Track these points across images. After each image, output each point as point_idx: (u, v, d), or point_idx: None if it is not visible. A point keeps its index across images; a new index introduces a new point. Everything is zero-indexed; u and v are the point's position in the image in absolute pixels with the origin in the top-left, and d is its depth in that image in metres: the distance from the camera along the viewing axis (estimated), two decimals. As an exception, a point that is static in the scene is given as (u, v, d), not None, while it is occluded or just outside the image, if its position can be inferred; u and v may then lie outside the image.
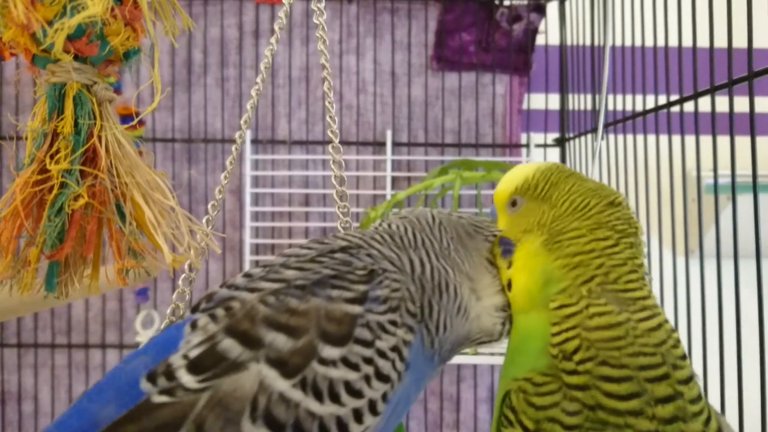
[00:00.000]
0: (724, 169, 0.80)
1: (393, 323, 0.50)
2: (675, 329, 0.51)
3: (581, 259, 0.51)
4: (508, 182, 0.59)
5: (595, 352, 0.48)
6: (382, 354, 0.48)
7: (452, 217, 0.60)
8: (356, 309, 0.48)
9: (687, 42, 0.92)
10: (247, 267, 1.58)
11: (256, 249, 1.64)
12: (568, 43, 1.64)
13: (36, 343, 1.64)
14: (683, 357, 0.49)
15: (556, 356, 0.50)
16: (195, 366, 0.45)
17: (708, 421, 0.48)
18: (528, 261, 0.54)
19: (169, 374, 0.45)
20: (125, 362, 0.49)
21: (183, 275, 0.75)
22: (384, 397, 0.48)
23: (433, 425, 1.66)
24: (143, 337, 1.52)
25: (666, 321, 0.51)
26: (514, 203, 0.58)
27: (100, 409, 0.46)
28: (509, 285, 0.56)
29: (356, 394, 0.47)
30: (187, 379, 0.45)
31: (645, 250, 0.60)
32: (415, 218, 0.59)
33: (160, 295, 1.65)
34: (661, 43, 1.00)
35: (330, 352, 0.46)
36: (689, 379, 0.48)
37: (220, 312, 0.49)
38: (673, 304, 0.95)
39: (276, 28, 0.78)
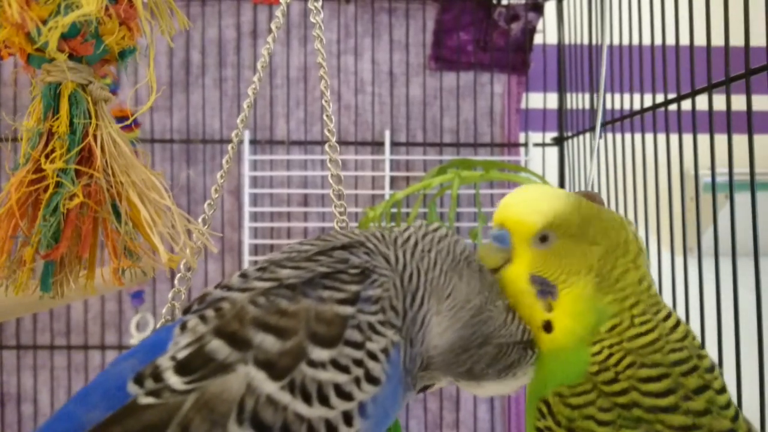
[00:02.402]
0: (722, 168, 0.80)
1: (383, 323, 0.49)
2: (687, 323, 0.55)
3: (632, 290, 0.53)
4: (536, 215, 0.54)
5: (634, 358, 0.51)
6: (372, 356, 0.48)
7: (460, 243, 0.57)
8: (347, 310, 0.48)
9: (684, 40, 0.92)
10: (246, 267, 1.58)
11: (255, 249, 1.64)
12: (566, 42, 1.64)
13: (35, 345, 1.64)
14: (701, 347, 0.53)
15: (595, 372, 0.52)
16: (182, 367, 0.45)
17: (736, 418, 0.51)
18: (579, 305, 0.53)
19: (157, 376, 0.45)
20: (113, 365, 0.49)
21: (179, 275, 0.74)
22: (374, 399, 0.48)
23: (432, 425, 1.66)
24: (137, 339, 1.52)
25: (676, 313, 0.55)
26: (544, 238, 0.54)
27: (87, 412, 0.45)
28: (547, 326, 0.54)
29: (346, 396, 0.46)
30: (174, 381, 0.44)
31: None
32: (421, 226, 0.58)
33: (159, 296, 1.65)
34: (658, 41, 0.99)
35: (319, 353, 0.46)
36: (713, 368, 0.52)
37: (210, 313, 0.48)
38: (671, 303, 0.95)
39: (273, 27, 0.78)
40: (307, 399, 0.45)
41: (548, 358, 0.55)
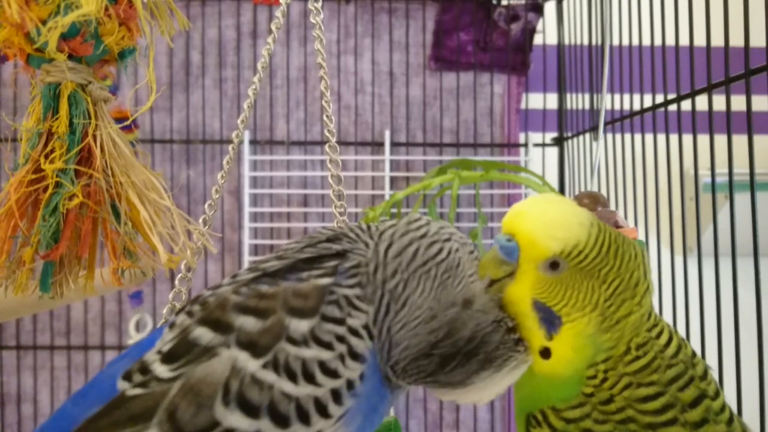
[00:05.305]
0: (722, 168, 0.80)
1: (360, 298, 0.49)
2: (677, 331, 0.54)
3: (631, 327, 0.52)
4: (552, 241, 0.51)
5: (630, 380, 0.51)
6: (354, 332, 0.48)
7: (436, 245, 0.54)
8: (324, 281, 0.48)
9: (684, 41, 0.92)
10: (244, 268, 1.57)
11: (255, 250, 1.64)
12: (566, 42, 1.64)
13: (35, 345, 1.64)
14: (694, 354, 0.53)
15: (590, 394, 0.52)
16: (168, 357, 0.46)
17: (731, 421, 0.50)
18: (579, 341, 0.51)
19: (144, 369, 0.46)
20: (109, 366, 0.50)
21: (179, 275, 0.75)
22: (361, 377, 0.48)
23: (432, 425, 1.65)
24: (136, 340, 1.51)
25: (668, 325, 0.54)
26: (554, 265, 0.51)
27: (83, 412, 0.46)
28: (545, 352, 0.53)
29: (332, 373, 0.46)
30: (161, 370, 0.45)
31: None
32: (404, 223, 0.55)
33: (158, 296, 1.65)
34: (658, 41, 1.00)
35: (298, 325, 0.46)
36: (706, 374, 0.52)
37: (196, 308, 0.49)
38: (671, 303, 0.95)
39: (273, 27, 0.78)
40: (292, 377, 0.45)
41: (540, 379, 0.54)
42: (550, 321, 0.52)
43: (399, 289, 0.51)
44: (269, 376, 0.45)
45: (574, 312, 0.51)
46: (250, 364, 0.45)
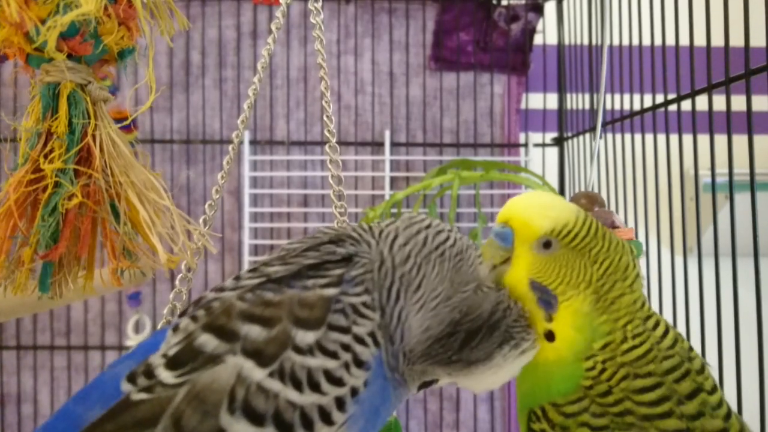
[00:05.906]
0: (722, 168, 0.80)
1: (366, 305, 0.49)
2: (674, 327, 0.55)
3: (626, 311, 0.54)
4: (543, 219, 0.54)
5: (628, 371, 0.52)
6: (359, 340, 0.48)
7: (443, 234, 0.56)
8: (330, 291, 0.49)
9: (684, 40, 0.91)
10: (246, 268, 1.58)
11: (255, 250, 1.64)
12: (566, 42, 1.63)
13: (35, 345, 1.64)
14: (691, 349, 0.54)
15: (589, 387, 0.53)
16: (173, 362, 0.46)
17: (728, 416, 0.51)
18: (577, 319, 0.53)
19: (149, 373, 0.46)
20: (111, 367, 0.50)
21: (179, 275, 0.75)
22: (365, 384, 0.48)
23: (432, 425, 1.65)
24: (135, 341, 1.52)
25: (664, 319, 0.55)
26: (547, 245, 0.54)
27: (86, 412, 0.46)
28: (549, 335, 0.54)
29: (337, 382, 0.46)
30: (166, 375, 0.45)
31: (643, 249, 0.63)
32: (407, 218, 0.57)
33: (158, 296, 1.65)
34: (658, 41, 0.99)
35: (303, 336, 0.46)
36: (702, 369, 0.53)
37: (200, 313, 0.49)
38: (671, 303, 0.95)
39: (273, 28, 0.78)
40: (297, 386, 0.45)
41: (541, 371, 0.55)
42: (548, 301, 0.54)
43: (413, 273, 0.53)
44: (275, 384, 0.45)
45: (570, 289, 0.53)
46: (256, 373, 0.45)
